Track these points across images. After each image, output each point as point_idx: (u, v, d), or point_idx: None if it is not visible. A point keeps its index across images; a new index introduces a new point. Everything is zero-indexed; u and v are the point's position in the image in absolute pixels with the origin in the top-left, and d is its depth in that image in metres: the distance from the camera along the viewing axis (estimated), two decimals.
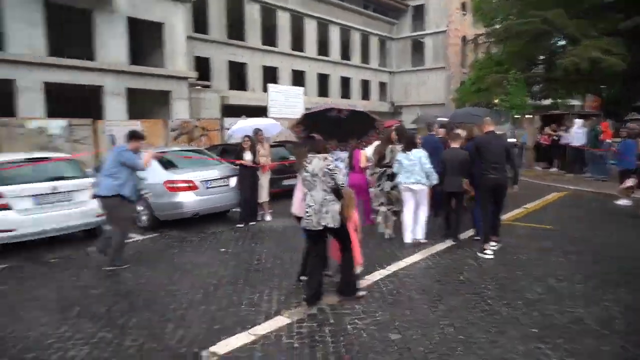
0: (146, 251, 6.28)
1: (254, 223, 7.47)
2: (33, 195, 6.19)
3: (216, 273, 5.10)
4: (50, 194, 6.29)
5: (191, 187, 7.28)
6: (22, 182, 6.25)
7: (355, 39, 29.23)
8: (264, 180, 7.62)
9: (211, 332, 3.61)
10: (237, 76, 22.40)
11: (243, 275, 5.01)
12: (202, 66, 19.95)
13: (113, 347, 3.51)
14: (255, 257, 5.67)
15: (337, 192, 3.94)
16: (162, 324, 3.80)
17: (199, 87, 19.55)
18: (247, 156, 7.44)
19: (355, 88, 29.62)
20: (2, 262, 5.96)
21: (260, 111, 14.40)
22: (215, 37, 20.91)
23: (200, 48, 20.01)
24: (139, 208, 7.22)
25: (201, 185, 7.38)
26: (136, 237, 6.88)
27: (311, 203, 3.94)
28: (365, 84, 30.63)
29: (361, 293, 4.13)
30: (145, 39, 16.91)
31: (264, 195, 7.65)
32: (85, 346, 3.52)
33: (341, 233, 4.05)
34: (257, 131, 7.79)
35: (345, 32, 28.41)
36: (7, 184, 6.11)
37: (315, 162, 3.98)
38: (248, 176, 7.43)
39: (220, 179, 7.65)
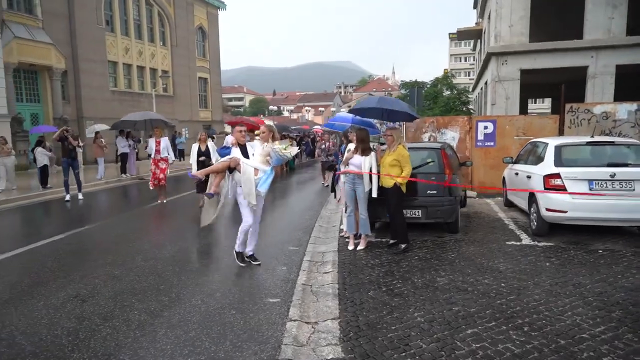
0: None
1: None
2: (589, 180, 6.05)
3: None
4: (609, 180, 5.94)
5: None
6: (580, 165, 6.24)
7: None
8: None
9: None
10: None
11: None
12: None
13: None
14: None
15: None
16: None
17: None
18: None
19: None
20: (548, 240, 6.27)
21: None
22: None
23: None
24: None
25: None
26: None
27: None
28: None
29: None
30: None
31: None
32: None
33: None
34: None
35: None
36: (565, 166, 6.27)
37: None
38: None
39: None
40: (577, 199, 6.13)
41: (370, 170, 6.20)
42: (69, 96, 22.63)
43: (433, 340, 3.54)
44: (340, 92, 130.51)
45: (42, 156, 13.57)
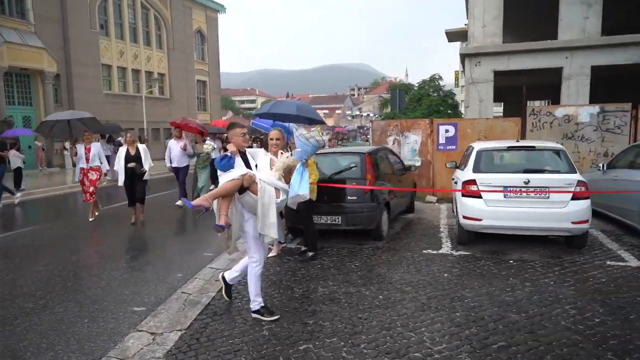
0: None
1: None
2: (504, 187, 5.81)
3: None
4: (523, 187, 5.70)
5: None
6: (497, 171, 6.01)
7: None
8: None
9: None
10: None
11: None
12: None
13: None
14: None
15: None
16: None
17: None
18: None
19: None
20: (467, 249, 6.05)
21: None
22: None
23: None
24: None
25: None
26: None
27: None
28: None
29: None
30: None
31: None
32: None
33: None
34: None
35: None
36: (482, 172, 6.04)
37: None
38: None
39: None
40: (492, 206, 5.87)
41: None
42: (61, 99, 23.06)
43: (258, 357, 3.40)
44: (354, 94, 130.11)
45: (15, 159, 13.79)
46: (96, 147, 9.25)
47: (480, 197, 5.94)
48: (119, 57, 26.85)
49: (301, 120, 6.78)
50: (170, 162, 10.65)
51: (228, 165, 3.91)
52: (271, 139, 4.97)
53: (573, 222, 5.61)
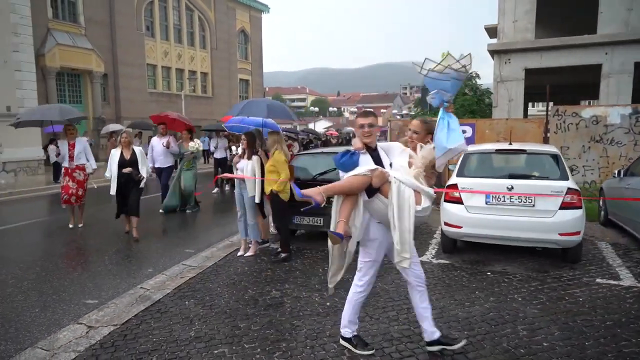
0: None
1: None
2: (486, 193, 5.45)
3: None
4: (506, 193, 5.31)
5: None
6: (480, 175, 5.65)
7: None
8: None
9: None
10: None
11: None
12: None
13: None
14: None
15: None
16: None
17: None
18: None
19: None
20: (448, 257, 5.76)
21: None
22: None
23: None
24: None
25: None
26: None
27: None
28: None
29: None
30: None
31: None
32: None
33: None
34: None
35: None
36: (465, 176, 5.71)
37: None
38: None
39: None
40: (473, 213, 5.49)
41: (254, 176, 6.02)
42: (108, 97, 24.41)
43: (170, 358, 3.37)
44: (405, 93, 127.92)
45: (53, 153, 14.76)
46: (81, 143, 8.12)
47: (462, 202, 5.58)
48: (164, 57, 28.04)
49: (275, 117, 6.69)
50: (153, 162, 9.33)
51: (350, 163, 3.05)
52: (409, 130, 3.43)
53: (561, 234, 5.12)
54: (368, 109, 3.48)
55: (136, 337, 3.75)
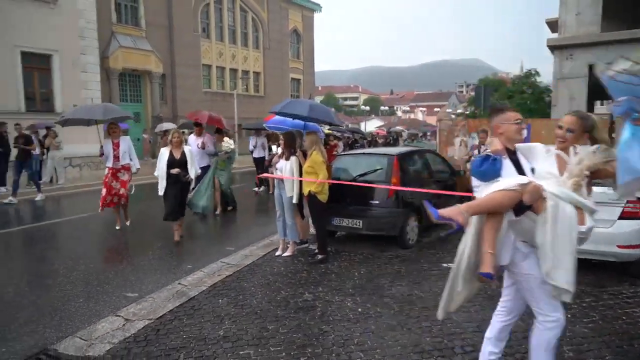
0: None
1: None
2: None
3: None
4: None
5: None
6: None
7: None
8: None
9: None
10: None
11: None
12: None
13: None
14: None
15: None
16: None
17: None
18: None
19: None
20: None
21: None
22: None
23: None
24: None
25: None
26: None
27: None
28: None
29: None
30: None
31: None
32: None
33: None
34: None
35: None
36: None
37: None
38: None
39: None
40: None
41: (293, 176, 5.99)
42: (166, 97, 25.49)
43: (197, 356, 3.41)
44: (462, 91, 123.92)
45: None
46: (126, 142, 7.93)
47: None
48: (218, 58, 28.87)
49: (314, 122, 6.62)
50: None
51: (492, 172, 2.59)
52: (560, 127, 2.69)
53: (619, 246, 4.68)
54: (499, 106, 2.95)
55: (168, 332, 3.83)
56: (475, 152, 8.29)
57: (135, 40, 23.09)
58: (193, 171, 7.02)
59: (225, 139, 9.27)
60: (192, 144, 8.92)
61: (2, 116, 14.64)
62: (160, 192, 6.90)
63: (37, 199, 11.19)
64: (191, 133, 9.93)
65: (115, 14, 22.34)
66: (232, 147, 9.37)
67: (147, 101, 24.35)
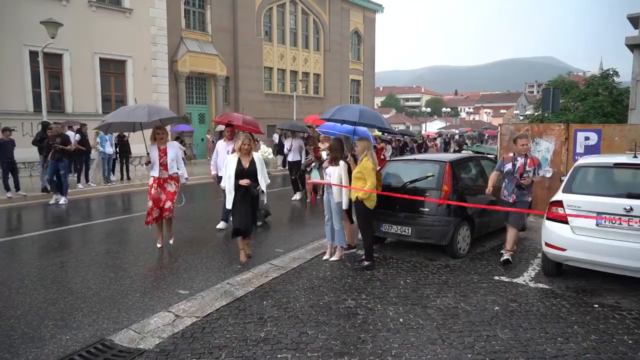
0: None
1: None
2: (598, 212, 4.79)
3: None
4: (623, 215, 4.62)
5: None
6: (590, 193, 4.97)
7: None
8: None
9: None
10: None
11: None
12: None
13: None
14: None
15: None
16: None
17: None
18: None
19: None
20: (550, 282, 5.19)
21: None
22: None
23: None
24: None
25: None
26: None
27: None
28: None
29: None
30: None
31: None
32: None
33: None
34: None
35: None
36: (574, 192, 5.06)
37: None
38: None
39: None
40: (580, 235, 4.80)
41: (341, 182, 6.02)
42: (229, 98, 26.51)
43: (237, 357, 3.54)
44: (532, 91, 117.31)
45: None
46: (174, 149, 6.91)
47: (566, 222, 4.93)
48: (279, 60, 29.55)
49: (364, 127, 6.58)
50: (217, 170, 7.83)
51: None
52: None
53: None
54: None
55: (213, 331, 4.01)
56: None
57: (202, 44, 24.22)
58: (264, 182, 6.09)
59: (263, 146, 9.07)
60: (222, 150, 7.82)
61: (81, 117, 15.99)
62: (228, 206, 6.06)
63: (60, 202, 10.75)
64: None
65: (184, 20, 23.59)
66: (270, 155, 8.98)
67: (212, 103, 25.46)
